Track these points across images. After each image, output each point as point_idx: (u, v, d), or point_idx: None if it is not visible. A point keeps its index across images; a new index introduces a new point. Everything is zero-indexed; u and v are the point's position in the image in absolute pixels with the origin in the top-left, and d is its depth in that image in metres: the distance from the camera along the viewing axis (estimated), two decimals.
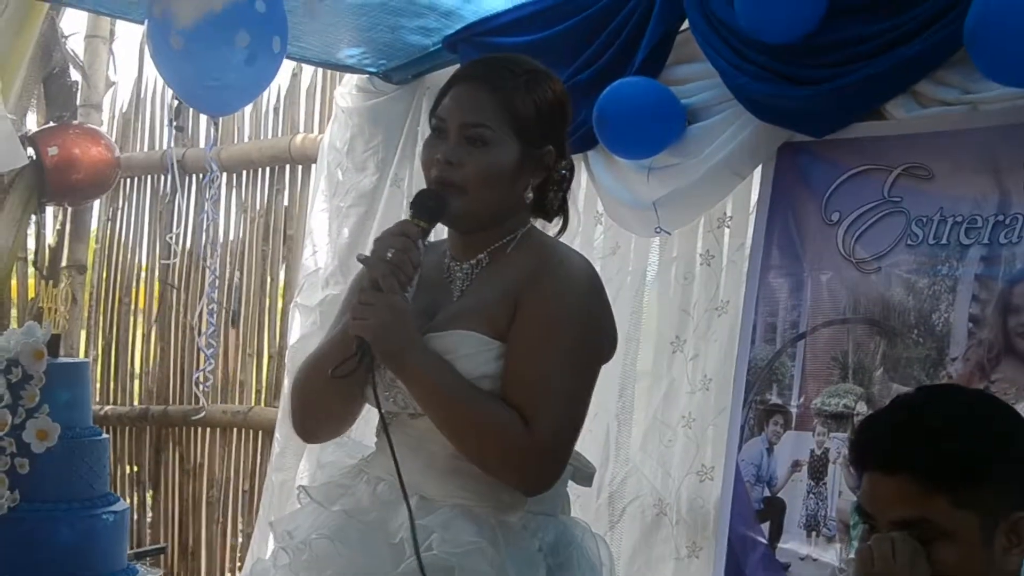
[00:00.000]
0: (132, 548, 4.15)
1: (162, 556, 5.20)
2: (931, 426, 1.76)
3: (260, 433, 5.32)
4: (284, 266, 5.33)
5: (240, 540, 5.44)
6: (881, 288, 3.02)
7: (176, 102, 5.53)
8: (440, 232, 2.31)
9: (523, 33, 3.79)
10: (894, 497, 1.73)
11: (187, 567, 5.65)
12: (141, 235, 6.01)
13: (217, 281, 5.05)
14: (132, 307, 6.07)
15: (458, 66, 3.89)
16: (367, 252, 2.20)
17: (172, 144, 5.54)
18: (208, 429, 5.58)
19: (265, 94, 5.22)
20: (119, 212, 6.09)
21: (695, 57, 3.51)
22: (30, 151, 5.57)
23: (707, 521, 3.41)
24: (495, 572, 2.12)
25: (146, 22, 3.68)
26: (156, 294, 5.88)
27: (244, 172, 5.49)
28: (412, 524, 2.06)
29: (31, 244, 6.06)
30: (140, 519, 5.85)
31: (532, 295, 2.16)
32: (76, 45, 5.89)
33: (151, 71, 5.90)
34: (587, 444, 3.52)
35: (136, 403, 5.97)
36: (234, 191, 5.53)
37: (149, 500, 5.87)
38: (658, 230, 3.53)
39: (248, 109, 5.42)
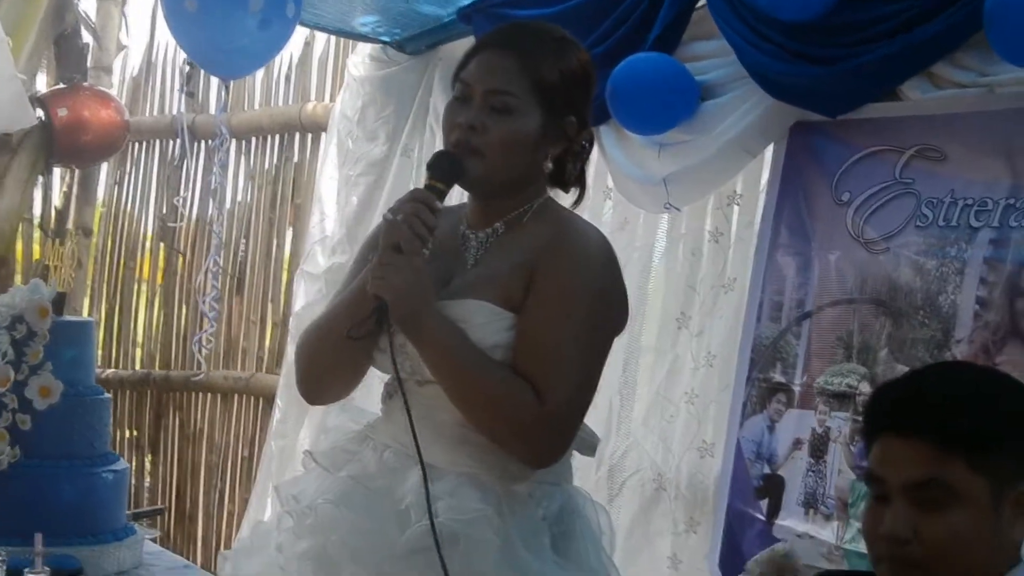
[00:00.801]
0: (131, 510, 4.16)
1: (160, 519, 5.21)
2: (951, 391, 1.77)
3: (261, 400, 5.33)
4: (291, 234, 5.32)
5: (238, 506, 5.45)
6: (889, 269, 3.01)
7: (188, 67, 5.53)
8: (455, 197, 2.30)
9: (538, 6, 3.77)
10: (909, 458, 1.72)
11: (184, 531, 5.67)
12: (148, 200, 6.02)
13: (222, 246, 5.04)
14: (137, 272, 6.08)
15: (471, 37, 3.93)
16: (381, 218, 2.19)
17: (183, 109, 5.53)
18: (209, 395, 5.59)
19: (277, 61, 5.21)
20: (127, 176, 6.10)
21: (710, 34, 3.50)
22: (39, 112, 5.57)
23: (706, 496, 3.42)
24: (500, 540, 2.12)
25: None
26: (161, 259, 5.88)
27: (254, 139, 5.49)
28: (427, 487, 2.05)
29: (37, 206, 6.07)
30: (139, 483, 5.86)
31: (547, 267, 2.15)
32: (88, 7, 5.91)
33: (163, 35, 5.91)
34: (589, 418, 3.50)
35: (138, 367, 5.98)
36: (243, 158, 5.52)
37: (148, 464, 5.89)
38: (667, 206, 3.53)
39: (260, 76, 5.42)
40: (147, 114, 5.99)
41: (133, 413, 5.94)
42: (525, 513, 2.19)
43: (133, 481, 5.74)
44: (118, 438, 5.88)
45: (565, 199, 2.33)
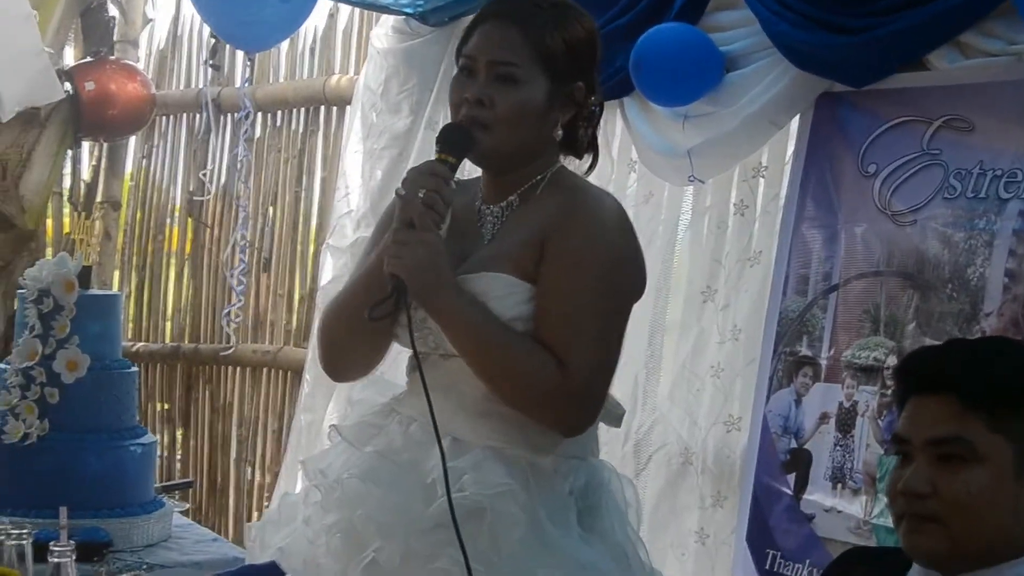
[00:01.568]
0: (160, 483, 4.19)
1: (191, 492, 5.24)
2: (978, 352, 1.80)
3: (289, 373, 5.34)
4: (317, 207, 5.32)
5: (268, 479, 5.47)
6: (916, 241, 2.98)
7: (213, 40, 5.53)
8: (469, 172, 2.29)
9: None
10: (933, 416, 1.74)
11: (215, 504, 5.71)
12: (176, 173, 6.02)
13: (248, 219, 5.04)
14: (166, 245, 6.10)
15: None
16: (395, 193, 2.18)
17: (208, 82, 5.52)
18: (238, 368, 5.60)
19: (301, 34, 5.19)
20: (154, 150, 6.10)
21: (735, 4, 3.47)
22: (67, 85, 5.58)
23: (733, 471, 3.41)
24: (526, 515, 2.12)
25: None
26: (189, 232, 5.90)
27: (279, 112, 5.47)
28: (444, 464, 2.05)
29: (66, 180, 6.09)
30: (171, 456, 5.90)
31: (562, 234, 2.14)
32: None
33: (188, 9, 5.89)
34: (615, 392, 3.47)
35: (168, 341, 6.01)
36: (268, 131, 5.52)
37: (179, 438, 5.92)
38: (692, 179, 3.51)
39: (284, 49, 5.40)
40: (173, 87, 5.99)
41: (164, 386, 5.96)
42: (551, 487, 2.18)
43: (165, 454, 5.78)
44: (149, 411, 5.92)
45: (582, 165, 2.32)
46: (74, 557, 2.12)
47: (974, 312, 2.83)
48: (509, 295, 2.14)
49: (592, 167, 2.32)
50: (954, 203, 2.91)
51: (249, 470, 5.59)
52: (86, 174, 6.09)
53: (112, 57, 5.76)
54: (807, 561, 3.08)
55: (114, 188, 6.10)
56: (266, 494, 5.49)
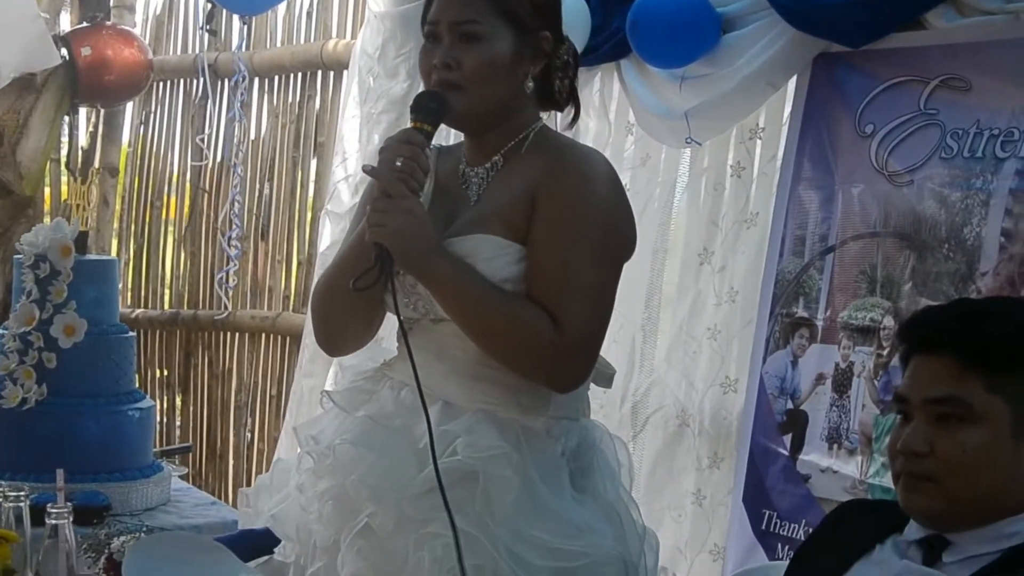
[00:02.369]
0: (159, 448, 4.20)
1: (190, 457, 5.26)
2: (979, 312, 1.80)
3: (288, 339, 5.34)
4: (314, 172, 5.31)
5: (267, 444, 5.49)
6: (913, 201, 2.98)
7: (210, 5, 5.49)
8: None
9: None
10: (932, 376, 1.75)
11: (215, 469, 5.72)
12: (173, 139, 5.99)
13: (245, 184, 5.03)
14: (163, 212, 6.08)
15: None
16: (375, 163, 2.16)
17: (205, 47, 5.49)
18: (237, 334, 5.60)
19: None
20: (151, 116, 6.07)
21: None
22: (63, 51, 5.54)
23: (729, 432, 3.42)
24: (518, 477, 2.12)
25: None
26: (187, 198, 5.89)
27: (276, 77, 5.44)
28: (430, 432, 2.04)
29: (63, 147, 6.07)
30: (170, 422, 5.91)
31: (551, 191, 2.13)
32: None
33: None
34: (612, 355, 3.51)
35: (166, 307, 6.01)
36: (266, 96, 5.50)
37: (179, 404, 5.93)
38: (689, 140, 3.50)
39: (281, 13, 5.37)
40: (170, 53, 5.96)
41: (163, 353, 5.96)
42: (543, 449, 2.18)
43: (165, 420, 5.80)
44: (148, 377, 5.92)
45: (563, 119, 2.31)
46: (71, 519, 2.13)
47: (970, 272, 2.83)
48: (498, 256, 2.13)
49: (574, 120, 2.31)
50: (951, 163, 2.91)
51: (248, 435, 5.60)
52: (83, 140, 6.07)
53: (108, 22, 5.71)
54: (803, 521, 3.10)
55: (111, 154, 6.08)
56: (264, 459, 5.50)
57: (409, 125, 2.16)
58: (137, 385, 3.63)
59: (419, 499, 2.10)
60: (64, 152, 6.03)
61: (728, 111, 3.45)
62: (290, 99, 5.42)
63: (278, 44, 5.47)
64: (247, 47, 5.38)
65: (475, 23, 2.15)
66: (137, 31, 5.89)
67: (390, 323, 2.38)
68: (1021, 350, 1.73)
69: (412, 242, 2.08)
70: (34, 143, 5.58)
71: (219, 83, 5.59)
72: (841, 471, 3.05)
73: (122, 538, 2.68)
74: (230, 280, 4.99)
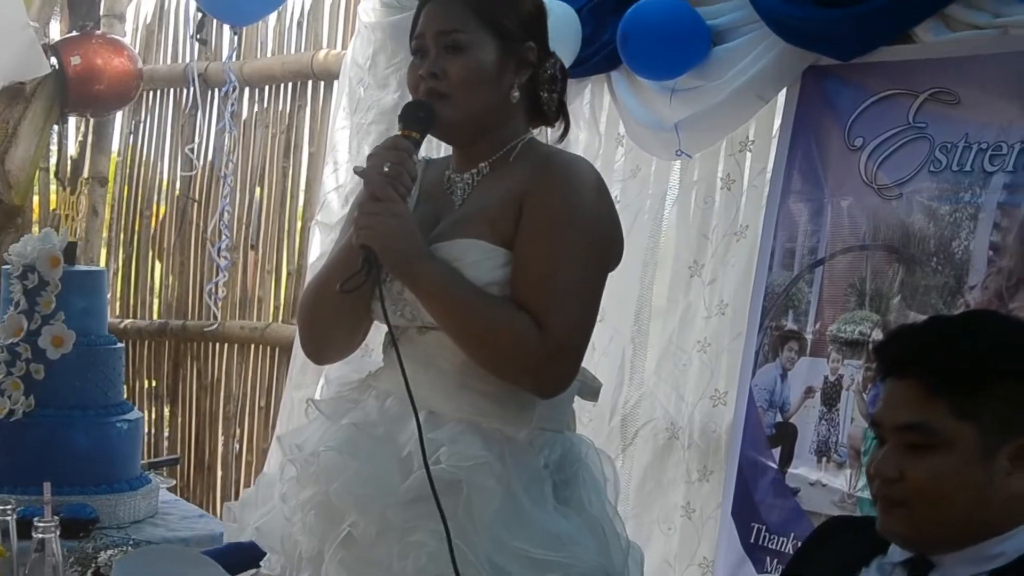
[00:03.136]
0: (147, 460, 4.18)
1: (178, 468, 5.24)
2: (946, 332, 1.77)
3: (277, 350, 5.32)
4: (304, 183, 5.30)
5: (256, 456, 5.47)
6: (902, 215, 2.98)
7: (200, 15, 5.48)
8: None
9: None
10: (900, 400, 1.73)
11: (203, 481, 5.70)
12: (163, 149, 5.98)
13: (233, 194, 5.02)
14: (153, 221, 6.07)
15: None
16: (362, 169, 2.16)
17: (196, 57, 5.48)
18: (226, 345, 5.58)
19: (288, 9, 5.16)
20: (141, 125, 6.06)
21: None
22: (53, 60, 5.53)
23: (719, 445, 3.41)
24: (501, 487, 2.11)
25: None
26: (176, 208, 5.87)
27: (266, 87, 5.44)
28: (420, 436, 2.04)
29: (52, 156, 6.05)
30: (158, 433, 5.89)
31: (537, 196, 2.14)
32: None
33: None
34: (602, 367, 3.53)
35: (155, 317, 5.99)
36: (256, 106, 5.49)
37: (167, 414, 5.91)
38: (679, 153, 3.50)
39: (271, 23, 5.36)
40: (160, 62, 5.95)
41: (151, 363, 5.94)
42: (526, 460, 2.18)
43: (153, 431, 5.77)
44: (137, 388, 5.90)
45: (553, 133, 2.32)
46: (58, 533, 2.11)
47: (959, 285, 2.83)
48: (484, 260, 2.14)
49: (564, 135, 2.32)
50: (939, 176, 2.91)
51: (236, 446, 5.58)
52: (72, 150, 6.05)
53: (98, 31, 5.71)
54: (792, 535, 3.10)
55: (100, 164, 6.06)
56: (253, 471, 5.49)
57: (397, 133, 2.16)
58: (125, 396, 3.61)
59: (403, 508, 2.10)
60: (53, 161, 6.02)
61: (718, 123, 3.45)
62: (280, 109, 5.42)
63: (268, 54, 5.47)
64: (237, 57, 5.37)
65: (460, 33, 2.17)
66: (127, 40, 5.89)
67: (376, 336, 2.38)
68: (986, 373, 1.70)
69: (399, 244, 2.09)
70: (23, 152, 5.56)
71: (209, 92, 5.58)
72: (830, 484, 3.04)
73: (109, 552, 2.68)
74: (219, 291, 4.96)
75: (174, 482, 4.02)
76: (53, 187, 6.02)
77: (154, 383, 5.96)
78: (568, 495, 2.22)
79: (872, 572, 1.81)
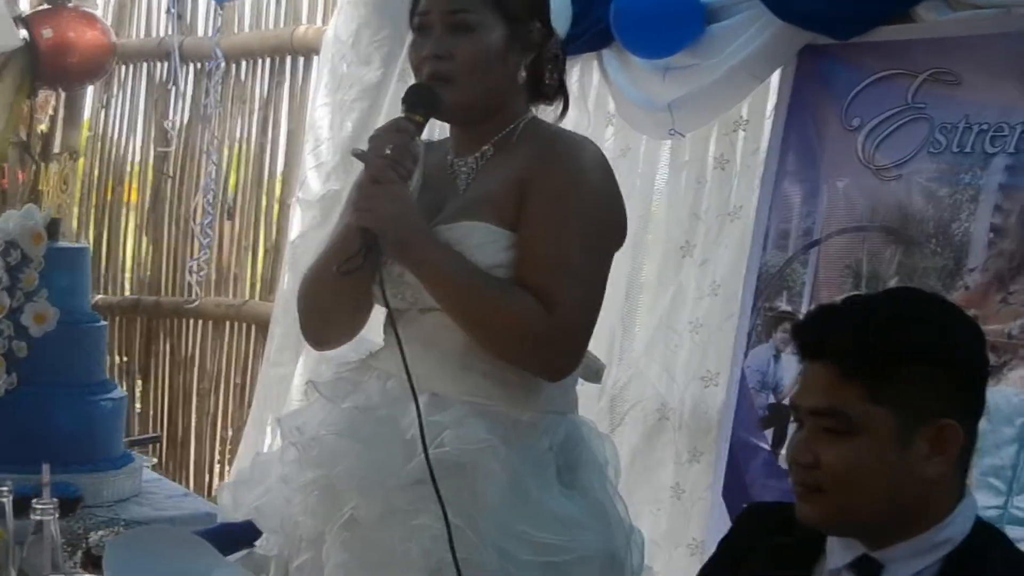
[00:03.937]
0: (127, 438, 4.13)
1: (151, 445, 5.18)
2: (862, 315, 1.71)
3: (253, 327, 5.27)
4: (282, 158, 5.24)
5: (231, 432, 5.43)
6: (900, 196, 2.97)
7: None
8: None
9: None
10: (814, 384, 1.69)
11: (176, 457, 5.65)
12: (135, 124, 5.91)
13: (219, 171, 4.96)
14: (125, 196, 5.99)
15: None
16: (364, 148, 2.13)
17: (174, 30, 5.40)
18: (201, 321, 5.53)
19: None
20: (113, 100, 5.98)
21: None
22: (23, 33, 5.45)
23: (710, 426, 3.40)
24: (506, 471, 2.09)
25: None
26: (150, 183, 5.80)
27: (244, 62, 5.37)
28: (420, 423, 2.02)
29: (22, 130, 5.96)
30: (130, 409, 5.82)
31: (542, 177, 2.11)
32: None
33: None
34: (591, 347, 3.50)
35: (127, 293, 5.92)
36: (232, 81, 5.42)
37: (139, 391, 5.85)
38: (672, 132, 3.47)
39: None
40: (133, 36, 5.87)
41: (123, 339, 5.87)
42: (531, 443, 2.16)
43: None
44: (108, 364, 5.83)
45: (552, 111, 2.28)
46: (57, 516, 2.07)
47: (958, 267, 2.82)
48: (489, 243, 2.11)
49: (563, 114, 2.29)
50: (939, 157, 2.90)
51: (210, 424, 5.53)
52: (44, 123, 5.96)
53: (71, 4, 5.63)
54: None
55: (72, 138, 5.98)
56: (228, 447, 5.44)
57: (400, 115, 2.12)
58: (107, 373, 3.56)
59: (406, 490, 2.07)
60: (24, 135, 5.93)
61: (712, 103, 3.43)
62: (258, 85, 5.35)
63: (246, 28, 5.40)
64: (213, 31, 5.30)
65: (467, 12, 2.13)
66: (99, 13, 5.80)
67: (374, 318, 2.35)
68: (900, 355, 1.65)
69: (399, 227, 2.06)
70: None
71: (184, 67, 5.51)
72: None
73: (100, 532, 2.63)
74: (200, 270, 4.90)
75: (156, 460, 3.98)
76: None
77: (125, 359, 5.89)
78: (572, 478, 2.20)
79: None
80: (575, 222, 2.09)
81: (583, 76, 3.86)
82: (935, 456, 1.65)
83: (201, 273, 5.03)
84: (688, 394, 3.47)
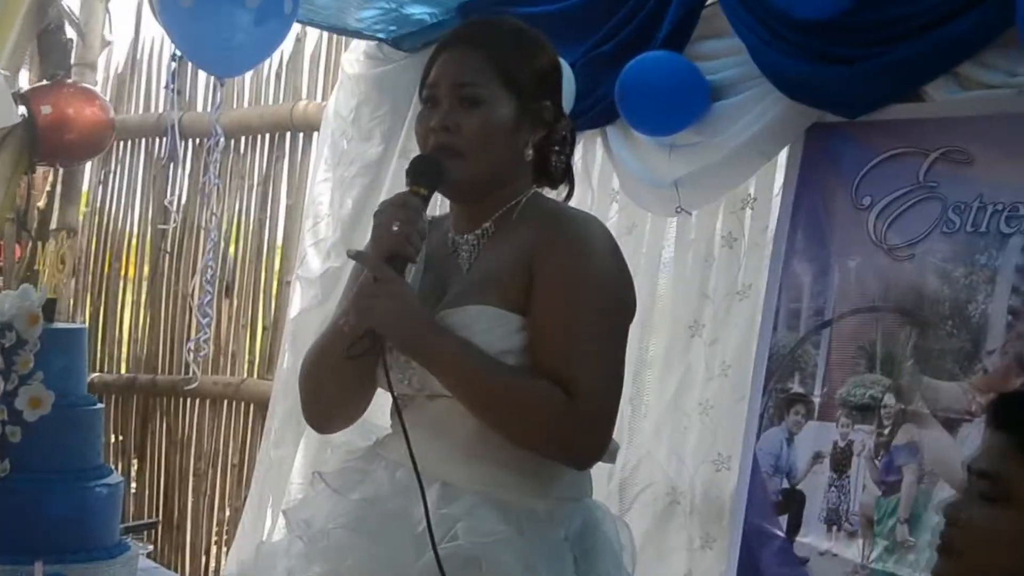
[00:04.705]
0: (123, 523, 4.03)
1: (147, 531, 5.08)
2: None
3: (252, 406, 5.21)
4: (281, 235, 5.20)
5: (228, 514, 5.33)
6: (914, 276, 2.92)
7: (174, 64, 5.40)
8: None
9: (545, 2, 3.67)
10: (996, 454, 1.76)
11: (172, 540, 5.55)
12: (133, 199, 5.90)
13: (215, 248, 4.92)
14: (122, 273, 5.95)
15: None
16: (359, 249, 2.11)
17: (174, 106, 5.40)
18: (198, 400, 5.46)
19: (267, 59, 5.08)
20: (111, 175, 5.97)
21: (722, 32, 3.41)
22: (22, 109, 5.44)
23: (722, 511, 3.32)
24: (521, 564, 2.02)
25: None
26: (147, 260, 5.75)
27: (243, 138, 5.36)
28: (427, 519, 1.96)
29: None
30: (125, 489, 5.72)
31: (548, 257, 2.07)
32: (72, 2, 5.78)
33: (148, 31, 5.79)
34: None
35: (124, 371, 5.85)
36: (231, 157, 5.40)
37: (134, 471, 5.77)
38: (679, 209, 3.43)
39: (249, 74, 5.29)
40: (132, 112, 5.86)
41: (119, 418, 5.80)
42: (547, 534, 2.10)
43: None
44: (104, 443, 5.74)
45: (556, 196, 2.27)
46: None
47: (976, 349, 2.76)
48: (495, 327, 2.06)
49: (568, 197, 2.26)
50: (953, 237, 2.85)
51: (207, 505, 5.44)
52: (40, 200, 5.93)
53: (70, 80, 5.62)
54: None
55: (69, 215, 5.95)
56: (225, 530, 5.35)
57: (405, 189, 2.09)
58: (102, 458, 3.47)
59: None
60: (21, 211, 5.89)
61: (719, 180, 3.39)
62: (258, 161, 5.33)
63: (245, 104, 5.40)
64: (212, 108, 5.28)
65: (476, 86, 2.11)
66: (98, 89, 5.79)
67: (380, 399, 2.29)
68: None
69: (404, 324, 2.02)
70: None
71: (184, 143, 5.49)
72: (841, 555, 2.95)
73: None
74: (200, 350, 4.84)
75: (151, 548, 3.88)
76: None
77: (121, 438, 5.81)
78: (588, 568, 2.14)
79: None
80: (588, 302, 2.06)
81: (587, 152, 3.82)
82: None
83: (200, 353, 4.96)
84: (699, 478, 3.39)
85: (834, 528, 3.00)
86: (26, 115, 5.45)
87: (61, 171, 5.91)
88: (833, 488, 3.01)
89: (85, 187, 6.06)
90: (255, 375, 5.25)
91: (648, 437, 3.54)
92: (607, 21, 3.60)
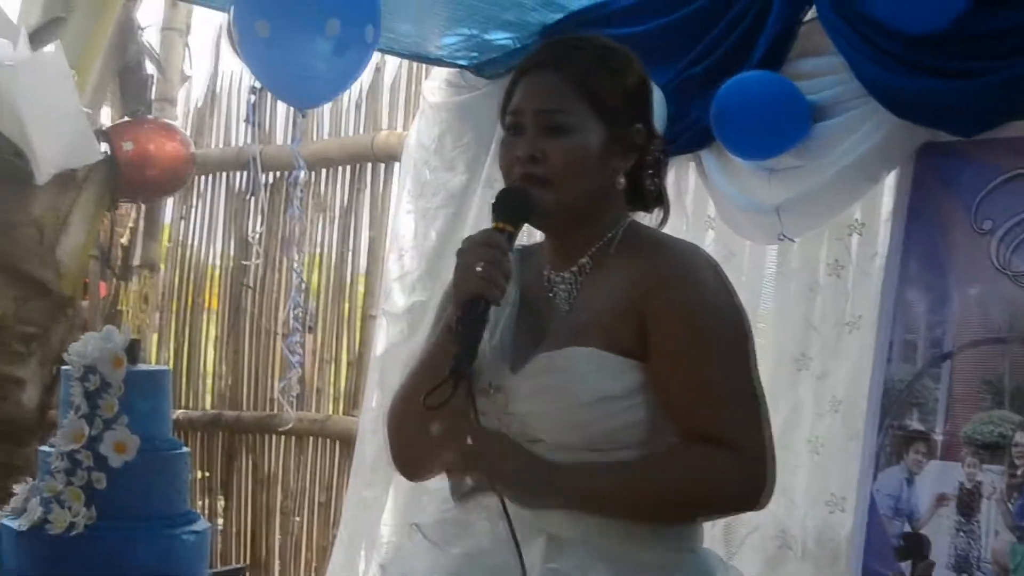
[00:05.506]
0: (211, 569, 3.95)
1: None
2: None
3: (337, 443, 5.12)
4: (364, 268, 5.12)
5: (315, 554, 5.24)
6: None
7: (253, 97, 5.34)
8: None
9: (632, 23, 3.54)
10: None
11: None
12: (215, 234, 5.85)
13: (303, 284, 4.84)
14: (205, 306, 5.91)
15: None
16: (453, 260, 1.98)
17: (256, 140, 5.35)
18: (283, 437, 5.38)
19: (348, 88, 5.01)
20: (192, 210, 5.94)
21: (822, 49, 3.26)
22: (104, 146, 5.43)
23: (838, 556, 3.14)
24: None
25: (231, 8, 3.47)
26: (229, 295, 5.70)
27: (323, 170, 5.30)
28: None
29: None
30: (211, 526, 5.66)
31: (663, 304, 1.94)
32: (152, 38, 5.76)
33: (226, 65, 5.75)
34: None
35: (208, 408, 5.80)
36: (311, 190, 5.33)
37: (220, 507, 5.70)
38: (781, 237, 3.27)
39: (328, 105, 5.22)
40: (212, 146, 5.84)
41: (204, 454, 5.74)
42: None
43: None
44: (190, 481, 5.69)
45: (650, 220, 2.13)
46: None
47: None
48: (600, 370, 1.93)
49: (663, 222, 2.13)
50: None
51: (293, 544, 5.35)
52: (124, 237, 5.91)
53: (150, 116, 5.61)
54: None
55: (152, 251, 5.93)
56: (313, 570, 5.26)
57: (490, 225, 1.98)
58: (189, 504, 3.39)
59: None
60: (104, 249, 5.87)
61: (823, 206, 3.23)
62: (338, 193, 5.26)
63: (325, 135, 5.33)
64: (293, 139, 5.23)
65: (562, 113, 1.98)
66: (178, 124, 5.78)
67: None
68: None
69: (519, 478, 1.93)
70: (74, 240, 5.41)
71: (264, 177, 5.44)
72: None
73: None
74: (292, 390, 4.76)
75: None
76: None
77: (207, 474, 5.75)
78: None
79: None
80: (718, 346, 1.95)
81: (679, 178, 3.68)
82: None
83: (293, 393, 4.87)
84: (811, 520, 3.21)
85: None
86: (108, 152, 5.44)
87: (143, 207, 5.89)
88: (961, 533, 2.82)
89: (167, 222, 6.04)
90: (340, 411, 5.17)
91: None
92: (699, 41, 3.47)
